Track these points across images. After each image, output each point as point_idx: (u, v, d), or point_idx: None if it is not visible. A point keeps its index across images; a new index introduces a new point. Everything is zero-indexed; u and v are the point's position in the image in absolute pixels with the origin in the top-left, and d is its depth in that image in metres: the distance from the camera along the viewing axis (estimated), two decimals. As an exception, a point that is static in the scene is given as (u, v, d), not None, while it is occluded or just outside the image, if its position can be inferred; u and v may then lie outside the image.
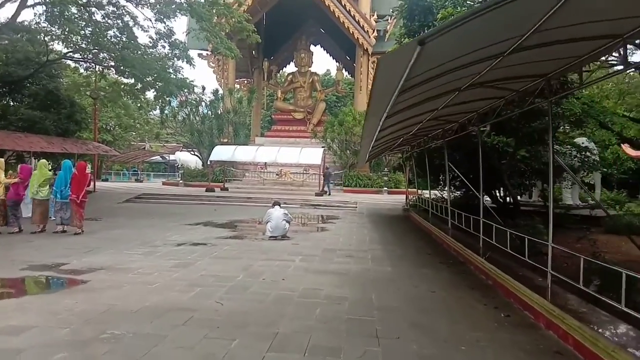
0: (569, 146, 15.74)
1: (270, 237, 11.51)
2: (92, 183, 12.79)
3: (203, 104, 36.29)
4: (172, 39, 24.13)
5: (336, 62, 45.36)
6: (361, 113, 33.55)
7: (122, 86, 26.50)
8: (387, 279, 7.54)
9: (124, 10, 22.40)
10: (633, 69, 7.69)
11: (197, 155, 38.01)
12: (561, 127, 15.50)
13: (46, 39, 23.22)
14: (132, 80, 24.96)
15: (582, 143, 17.73)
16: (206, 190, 27.28)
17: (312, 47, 44.53)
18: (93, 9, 21.75)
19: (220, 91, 37.20)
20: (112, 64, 22.85)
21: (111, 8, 22.22)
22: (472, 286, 7.20)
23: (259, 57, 43.18)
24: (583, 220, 15.51)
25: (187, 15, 23.78)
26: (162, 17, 23.14)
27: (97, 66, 24.30)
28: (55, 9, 19.46)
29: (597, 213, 17.31)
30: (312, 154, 28.64)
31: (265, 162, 32.16)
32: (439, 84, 5.15)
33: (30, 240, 10.32)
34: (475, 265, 8.42)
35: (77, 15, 21.52)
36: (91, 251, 9.17)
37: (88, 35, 21.88)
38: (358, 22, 34.87)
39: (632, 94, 24.58)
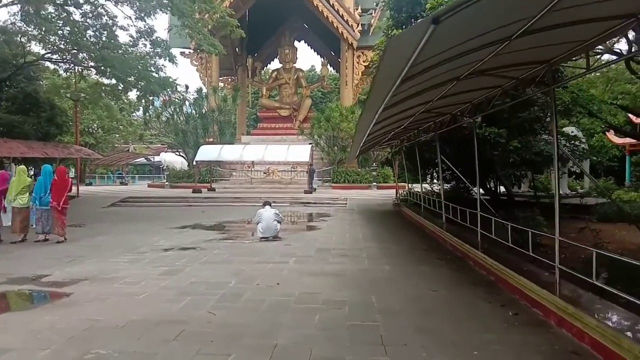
0: (557, 135, 15.60)
1: (262, 238, 11.17)
2: (73, 188, 12.30)
3: (187, 103, 35.70)
4: (154, 37, 23.58)
5: (321, 57, 45.07)
6: (347, 108, 33.35)
7: (103, 87, 25.86)
8: (386, 278, 7.24)
9: (102, 9, 21.81)
10: None
11: (182, 156, 37.45)
12: (549, 117, 15.37)
13: (23, 40, 22.48)
14: (114, 81, 24.39)
15: (572, 132, 17.69)
16: (193, 192, 26.83)
17: (296, 43, 44.13)
18: (71, 9, 21.13)
19: (204, 90, 36.64)
20: (92, 64, 22.22)
21: (89, 7, 21.61)
22: (474, 283, 6.95)
23: (243, 54, 42.66)
24: (574, 209, 15.43)
25: (167, 13, 23.26)
26: (142, 14, 22.58)
27: (77, 67, 23.62)
28: (30, 8, 18.78)
29: (586, 202, 17.28)
30: (300, 151, 28.29)
31: (253, 161, 31.71)
32: (439, 73, 4.86)
33: (10, 251, 9.83)
34: (475, 261, 8.18)
35: (54, 15, 20.88)
36: (74, 260, 8.74)
37: (66, 35, 21.26)
38: (342, 17, 34.57)
39: (618, 82, 24.57)
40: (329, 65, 44.38)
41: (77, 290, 6.53)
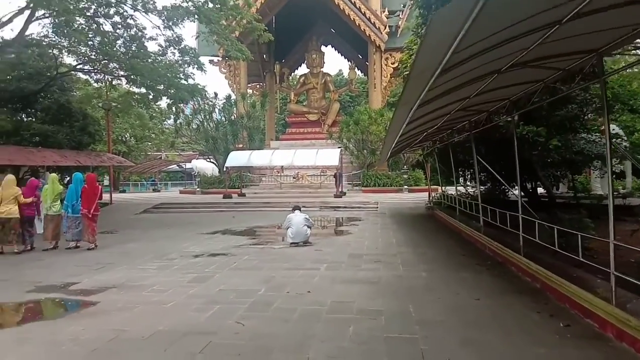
0: (597, 134, 14.90)
1: (292, 243, 10.91)
2: (103, 195, 12.32)
3: (216, 110, 35.96)
4: (182, 46, 23.77)
5: (348, 61, 44.82)
6: (376, 111, 32.91)
7: (134, 96, 26.21)
8: (423, 286, 6.85)
9: (132, 20, 22.08)
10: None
11: (213, 162, 37.69)
12: (588, 114, 14.68)
13: (55, 52, 22.96)
14: (144, 90, 24.68)
15: (613, 130, 16.88)
16: (223, 197, 26.86)
17: (323, 48, 43.96)
18: (101, 20, 21.47)
19: (233, 96, 36.83)
20: (122, 73, 22.51)
21: (119, 18, 21.92)
22: (518, 291, 6.48)
23: (270, 60, 42.76)
24: (617, 210, 14.61)
25: (195, 21, 23.40)
26: (170, 23, 22.78)
27: (107, 76, 23.98)
28: (61, 19, 19.13)
29: (630, 202, 16.44)
30: (329, 155, 28.01)
31: (282, 166, 31.61)
32: (480, 64, 4.49)
33: (41, 259, 9.85)
34: (518, 266, 7.69)
35: (84, 26, 21.24)
36: (103, 268, 8.65)
37: (96, 45, 21.58)
38: (369, 19, 34.20)
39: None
40: (356, 69, 44.06)
41: (104, 299, 6.38)
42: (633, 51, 7.06)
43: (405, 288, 6.73)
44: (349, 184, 31.86)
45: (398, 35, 34.45)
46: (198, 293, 6.58)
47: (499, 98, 7.99)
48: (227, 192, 27.83)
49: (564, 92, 7.42)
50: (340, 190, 27.46)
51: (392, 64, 35.75)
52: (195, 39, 24.56)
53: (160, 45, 24.03)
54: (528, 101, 9.16)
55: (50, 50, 22.98)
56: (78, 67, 24.51)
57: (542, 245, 8.02)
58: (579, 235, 6.13)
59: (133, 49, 22.28)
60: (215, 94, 36.13)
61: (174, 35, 23.41)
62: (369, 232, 13.40)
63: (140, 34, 22.44)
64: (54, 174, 12.15)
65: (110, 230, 14.88)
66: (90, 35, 21.14)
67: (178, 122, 35.90)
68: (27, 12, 19.13)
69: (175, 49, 23.78)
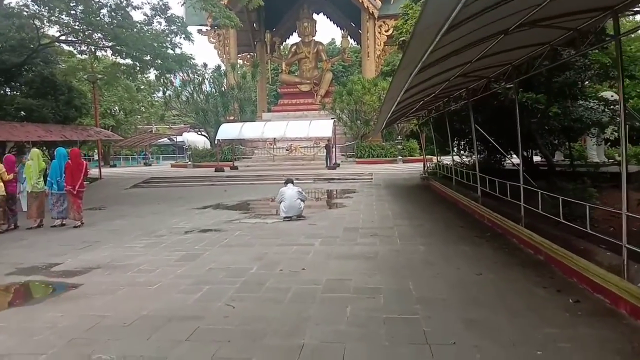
0: (595, 101, 14.53)
1: (285, 217, 10.59)
2: (89, 170, 11.87)
3: (206, 81, 35.10)
4: (168, 14, 22.93)
5: (341, 29, 43.77)
6: (370, 81, 32.27)
7: (121, 67, 25.42)
8: (422, 260, 6.56)
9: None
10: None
11: (204, 135, 37.10)
12: (586, 81, 14.29)
13: (36, 22, 22.04)
14: (130, 61, 23.91)
15: (612, 96, 16.54)
16: (215, 171, 26.44)
17: (315, 16, 42.83)
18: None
19: (223, 67, 35.94)
20: (107, 44, 21.69)
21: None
22: (521, 264, 6.21)
23: (261, 29, 41.71)
24: (613, 178, 14.45)
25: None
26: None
27: (91, 47, 23.13)
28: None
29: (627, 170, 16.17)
30: (322, 127, 27.53)
31: (274, 138, 31.12)
32: (488, 22, 4.08)
33: (24, 238, 9.47)
34: (519, 238, 7.41)
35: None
36: (89, 246, 8.30)
37: (79, 15, 20.71)
38: (362, -15, 33.22)
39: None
40: (349, 37, 43.05)
41: (87, 281, 6.04)
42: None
43: (404, 263, 6.44)
44: (342, 155, 31.46)
45: (392, 2, 33.55)
46: (186, 273, 6.25)
47: (500, 63, 7.57)
48: (219, 166, 27.38)
49: (570, 56, 7.01)
50: (334, 162, 27.08)
51: (385, 31, 34.94)
52: (182, 5, 23.64)
53: (145, 15, 23.19)
54: (530, 66, 8.76)
55: (32, 21, 22.09)
56: (61, 38, 23.64)
57: (542, 215, 7.74)
58: (587, 206, 5.81)
59: (118, 18, 21.44)
60: (205, 65, 35.23)
61: (160, 3, 22.59)
62: (364, 205, 13.09)
63: (125, 2, 21.61)
64: (36, 150, 11.65)
65: (99, 207, 14.50)
66: (72, 4, 20.27)
67: (167, 94, 35.07)
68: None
69: (161, 17, 22.95)
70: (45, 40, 23.51)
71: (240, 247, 7.84)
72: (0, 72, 22.51)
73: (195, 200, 15.50)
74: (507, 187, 9.46)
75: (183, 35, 23.24)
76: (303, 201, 10.89)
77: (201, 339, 4.03)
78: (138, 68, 23.49)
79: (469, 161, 17.50)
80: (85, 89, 30.68)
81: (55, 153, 11.46)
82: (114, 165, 44.80)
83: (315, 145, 31.42)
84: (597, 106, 14.04)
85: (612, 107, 14.63)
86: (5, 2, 20.06)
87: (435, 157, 20.36)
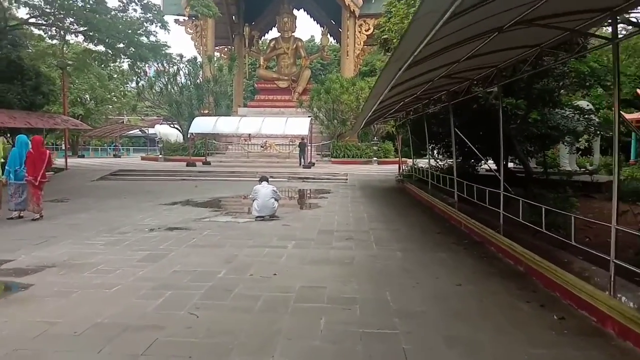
0: (571, 109, 14.61)
1: (257, 217, 10.19)
2: (52, 160, 11.24)
3: (181, 73, 34.24)
4: (145, 1, 22.20)
5: (321, 27, 43.28)
6: (348, 80, 32.01)
7: (92, 54, 24.52)
8: (400, 268, 6.28)
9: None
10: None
11: (177, 128, 36.26)
12: (563, 89, 14.33)
13: (4, 3, 21.03)
14: (102, 48, 23.08)
15: (587, 106, 16.69)
16: (187, 165, 25.77)
17: (295, 12, 42.32)
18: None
19: (199, 59, 35.13)
20: (78, 29, 20.83)
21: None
22: (501, 275, 5.99)
23: (239, 22, 41.01)
24: (585, 187, 14.58)
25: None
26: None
27: (62, 32, 22.21)
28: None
29: (598, 179, 16.41)
30: (298, 124, 27.15)
31: (249, 134, 30.56)
32: (484, 16, 3.79)
33: (-24, 230, 8.84)
34: (498, 247, 7.21)
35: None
36: (46, 242, 7.75)
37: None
38: (343, -18, 32.93)
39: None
40: (329, 35, 42.67)
41: (39, 281, 5.55)
42: None
43: (380, 270, 6.15)
44: (317, 154, 31.14)
45: (373, 1, 33.35)
46: (148, 275, 5.82)
47: (486, 65, 7.36)
48: (191, 160, 26.72)
49: (557, 60, 6.84)
50: (309, 160, 26.73)
51: (366, 31, 34.78)
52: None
53: (120, 1, 22.40)
54: (516, 70, 8.60)
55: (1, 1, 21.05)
56: (30, 20, 22.63)
57: (520, 223, 7.59)
58: (572, 217, 5.62)
59: (91, 2, 20.62)
60: (181, 56, 34.35)
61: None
62: (339, 206, 12.80)
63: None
64: (-6, 136, 10.95)
65: (61, 199, 13.80)
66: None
67: (140, 84, 34.08)
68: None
69: (137, 4, 22.22)
70: (13, 22, 22.48)
71: (209, 247, 7.42)
72: (-38, 54, 21.45)
73: (164, 195, 14.93)
74: (485, 193, 9.31)
75: (159, 24, 22.57)
76: (277, 201, 10.52)
77: (160, 352, 3.63)
78: (110, 55, 22.68)
79: (443, 165, 17.42)
80: (55, 76, 29.55)
81: (15, 140, 10.79)
82: (82, 156, 43.39)
83: (291, 143, 30.99)
84: (573, 115, 14.11)
85: (586, 116, 14.76)
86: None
87: (411, 160, 20.23)
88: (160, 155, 33.50)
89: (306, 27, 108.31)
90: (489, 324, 4.31)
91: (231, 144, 33.31)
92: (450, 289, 5.35)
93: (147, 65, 29.58)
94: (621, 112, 24.49)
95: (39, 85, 22.93)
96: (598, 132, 17.36)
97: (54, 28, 22.58)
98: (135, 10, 22.45)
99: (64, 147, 35.12)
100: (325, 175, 22.06)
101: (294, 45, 40.58)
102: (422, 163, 19.58)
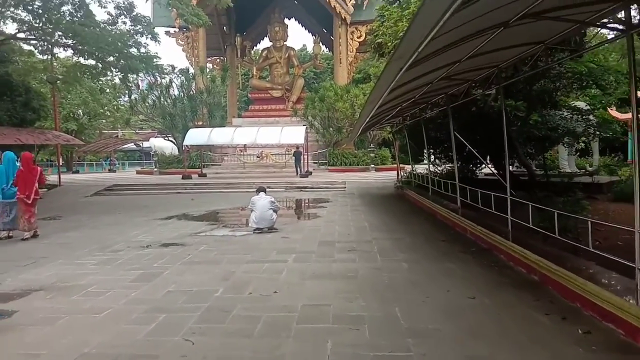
0: (568, 110, 14.40)
1: (256, 229, 9.84)
2: (44, 177, 10.88)
3: (174, 85, 33.95)
4: (134, 14, 21.94)
5: (312, 35, 43.18)
6: (342, 87, 31.80)
7: (82, 68, 24.18)
8: (407, 280, 5.94)
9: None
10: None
11: (171, 141, 35.92)
12: (561, 89, 14.11)
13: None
14: (92, 61, 22.75)
15: (586, 106, 16.49)
16: (182, 178, 25.43)
17: (286, 21, 42.22)
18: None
19: (191, 70, 34.87)
20: (66, 42, 20.51)
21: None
22: (515, 285, 5.66)
23: (231, 32, 40.87)
24: (586, 188, 14.32)
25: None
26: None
27: (50, 45, 21.87)
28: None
29: (598, 180, 16.18)
30: (294, 133, 26.86)
31: (245, 144, 30.28)
32: (490, 8, 3.49)
33: (-39, 253, 8.46)
34: (508, 254, 6.89)
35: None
36: (34, 263, 7.38)
37: (37, 10, 19.51)
38: (334, -10, 32.84)
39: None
40: (321, 44, 42.54)
41: (23, 307, 5.19)
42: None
43: (387, 284, 5.81)
44: (314, 162, 30.83)
45: (364, 8, 33.32)
46: (141, 296, 5.47)
47: (486, 65, 7.08)
48: (187, 173, 26.37)
49: (561, 58, 6.56)
50: (306, 169, 26.41)
51: (357, 37, 34.67)
52: (146, 1, 22.65)
53: (109, 14, 22.14)
54: (517, 70, 8.34)
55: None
56: (19, 35, 22.30)
57: (527, 228, 7.29)
58: (589, 222, 5.31)
59: (79, 16, 20.34)
60: (173, 67, 34.08)
61: (125, 2, 21.60)
62: (339, 215, 12.46)
63: (87, -1, 20.57)
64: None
65: (54, 216, 13.43)
66: (28, -1, 19.09)
67: (132, 97, 33.78)
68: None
69: (126, 17, 21.96)
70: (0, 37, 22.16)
71: (205, 264, 7.07)
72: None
73: (159, 209, 14.57)
74: (490, 198, 9.02)
75: (149, 36, 22.30)
76: (275, 212, 10.17)
77: (151, 388, 3.29)
78: (100, 69, 22.36)
79: (442, 170, 17.15)
80: (46, 91, 29.21)
81: (2, 157, 10.43)
82: (77, 172, 42.94)
83: (287, 152, 30.70)
84: (571, 116, 13.90)
85: (585, 116, 14.54)
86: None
87: (410, 166, 19.95)
88: (155, 169, 33.13)
89: (298, 36, 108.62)
90: (510, 342, 3.98)
91: (227, 155, 33.01)
92: (463, 303, 5.02)
93: (139, 78, 29.29)
94: (617, 111, 24.26)
95: (29, 101, 22.63)
96: (597, 133, 17.16)
97: (43, 42, 22.23)
98: (124, 22, 22.23)
99: (61, 163, 34.76)
100: (323, 184, 21.75)
101: (287, 54, 40.44)
102: (420, 169, 19.31)
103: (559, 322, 4.42)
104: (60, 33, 20.80)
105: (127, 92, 32.20)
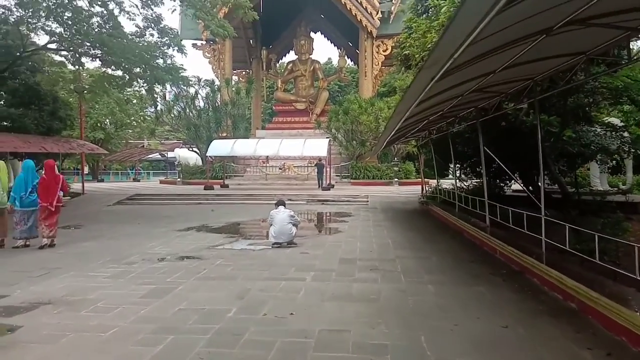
0: (602, 126, 13.81)
1: (274, 244, 9.54)
2: (66, 185, 10.84)
3: (199, 96, 34.20)
4: (162, 26, 22.14)
5: (338, 48, 43.09)
6: (367, 100, 31.51)
7: (109, 79, 24.48)
8: (433, 305, 5.53)
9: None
10: None
11: (195, 152, 36.08)
12: (594, 105, 13.55)
13: (21, 28, 21.12)
14: (120, 72, 23.02)
15: (620, 122, 15.88)
16: (205, 188, 25.38)
17: (312, 35, 42.29)
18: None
19: (217, 82, 35.08)
20: (93, 52, 20.79)
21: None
22: (551, 313, 5.20)
23: (257, 46, 41.10)
24: (619, 207, 13.63)
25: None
26: (149, 1, 21.21)
27: (77, 54, 22.18)
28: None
29: (633, 199, 15.45)
30: (317, 146, 26.61)
31: (267, 156, 30.18)
32: (531, 13, 3.14)
33: (-24, 261, 8.36)
34: (541, 278, 6.41)
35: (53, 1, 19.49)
36: (47, 274, 7.20)
37: (67, 21, 19.83)
38: (361, 4, 32.75)
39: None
40: (346, 57, 42.43)
41: (28, 322, 4.97)
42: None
43: (412, 308, 5.41)
44: (337, 175, 30.50)
45: (390, 22, 33.12)
46: (151, 314, 5.19)
47: (521, 77, 6.69)
48: (209, 183, 26.34)
49: (594, 74, 6.12)
50: (328, 182, 26.10)
51: (383, 51, 34.43)
52: (172, 12, 22.86)
53: (137, 26, 22.42)
54: (551, 82, 7.92)
55: (18, 28, 21.17)
56: (49, 46, 22.73)
57: (561, 249, 6.83)
58: (636, 247, 4.83)
59: (108, 27, 20.62)
60: (199, 79, 34.33)
61: (154, 15, 21.83)
62: (361, 231, 12.08)
63: (117, 10, 20.85)
64: (1, 161, 10.56)
65: (75, 225, 13.39)
66: (59, 10, 19.40)
67: (158, 108, 34.13)
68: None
69: (154, 29, 22.17)
70: (30, 47, 22.60)
71: (220, 280, 6.78)
72: (-18, 80, 21.56)
73: (179, 220, 14.42)
74: (521, 217, 8.55)
75: (176, 47, 22.46)
76: (295, 226, 9.85)
77: (149, 423, 2.97)
78: (127, 79, 22.59)
79: (468, 186, 16.64)
80: (73, 101, 29.69)
81: (22, 165, 10.41)
82: (102, 180, 43.54)
83: (309, 164, 30.47)
84: (604, 132, 13.33)
85: (619, 133, 13.93)
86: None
87: (436, 181, 19.45)
88: (178, 179, 33.27)
89: (323, 49, 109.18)
90: (550, 381, 3.55)
91: (249, 166, 32.96)
92: (496, 332, 4.59)
93: (165, 89, 29.56)
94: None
95: (56, 110, 22.94)
96: (632, 150, 16.41)
97: (72, 52, 22.59)
98: (152, 35, 22.45)
99: (85, 172, 35.23)
100: (345, 198, 21.38)
101: (312, 68, 40.41)
102: (445, 184, 18.80)
103: (604, 358, 3.97)
104: (88, 44, 21.11)
105: (151, 102, 32.50)
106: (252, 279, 6.75)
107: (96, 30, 20.77)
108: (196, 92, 33.54)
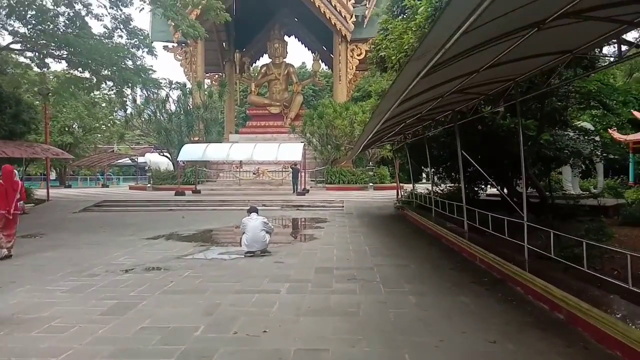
0: (576, 130, 13.87)
1: (247, 253, 9.11)
2: (24, 191, 10.19)
3: (170, 100, 33.36)
4: (131, 27, 21.47)
5: (312, 52, 42.83)
6: (341, 105, 31.29)
7: (76, 81, 23.61)
8: (416, 318, 5.21)
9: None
10: None
11: (166, 156, 35.18)
12: (569, 109, 13.60)
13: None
14: (87, 74, 22.19)
15: (593, 126, 16.03)
16: (176, 194, 24.70)
17: (286, 38, 41.93)
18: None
19: (189, 85, 34.32)
20: (58, 53, 19.98)
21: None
22: (539, 325, 4.95)
23: (230, 49, 40.48)
24: (592, 211, 13.67)
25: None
26: (118, 1, 20.54)
27: (44, 58, 21.31)
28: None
29: (604, 203, 15.54)
30: (291, 150, 26.19)
31: (241, 161, 29.61)
32: (524, 2, 2.85)
33: None
34: (526, 287, 6.17)
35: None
36: (-1, 289, 6.64)
37: (30, 20, 19.00)
38: (335, 8, 32.56)
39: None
40: (320, 61, 42.19)
41: (-30, 346, 4.45)
42: None
43: (394, 322, 5.08)
44: (312, 180, 30.14)
45: (365, 26, 33.06)
46: (110, 334, 4.72)
47: (503, 77, 6.46)
48: (180, 189, 25.65)
49: (597, 68, 5.96)
50: (303, 187, 25.71)
51: (357, 55, 34.33)
52: (140, 11, 22.20)
53: (106, 27, 21.71)
54: (531, 84, 7.75)
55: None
56: (11, 45, 21.75)
57: (543, 255, 6.64)
58: (629, 255, 4.62)
59: (74, 27, 19.86)
60: (170, 82, 33.50)
61: (122, 15, 21.15)
62: (337, 237, 11.74)
63: (84, 11, 20.13)
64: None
65: (35, 234, 12.66)
66: (21, 9, 18.57)
67: (128, 111, 33.16)
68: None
69: (122, 30, 21.48)
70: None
71: (188, 294, 6.32)
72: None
73: (147, 228, 13.82)
74: (501, 222, 8.35)
75: (146, 49, 21.81)
76: (269, 233, 9.45)
77: None
78: (95, 81, 21.78)
79: (442, 190, 16.51)
80: (38, 104, 28.57)
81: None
82: (69, 186, 42.09)
83: (284, 169, 30.02)
84: (578, 136, 13.38)
85: (592, 137, 14.00)
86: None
87: (411, 185, 19.30)
88: (148, 185, 32.36)
89: (297, 53, 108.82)
90: (547, 405, 3.26)
91: (222, 171, 32.32)
92: (484, 349, 4.29)
93: (134, 92, 28.69)
94: (615, 133, 23.73)
95: (19, 113, 21.90)
96: (604, 154, 16.54)
97: (36, 53, 21.68)
98: (121, 36, 21.76)
99: (52, 177, 33.98)
100: (320, 203, 21.03)
101: (286, 71, 40.03)
102: (420, 188, 18.65)
103: (601, 378, 3.71)
104: (53, 45, 20.29)
105: (122, 106, 31.60)
106: (222, 292, 6.32)
107: (62, 30, 20.01)
108: (167, 96, 32.67)
